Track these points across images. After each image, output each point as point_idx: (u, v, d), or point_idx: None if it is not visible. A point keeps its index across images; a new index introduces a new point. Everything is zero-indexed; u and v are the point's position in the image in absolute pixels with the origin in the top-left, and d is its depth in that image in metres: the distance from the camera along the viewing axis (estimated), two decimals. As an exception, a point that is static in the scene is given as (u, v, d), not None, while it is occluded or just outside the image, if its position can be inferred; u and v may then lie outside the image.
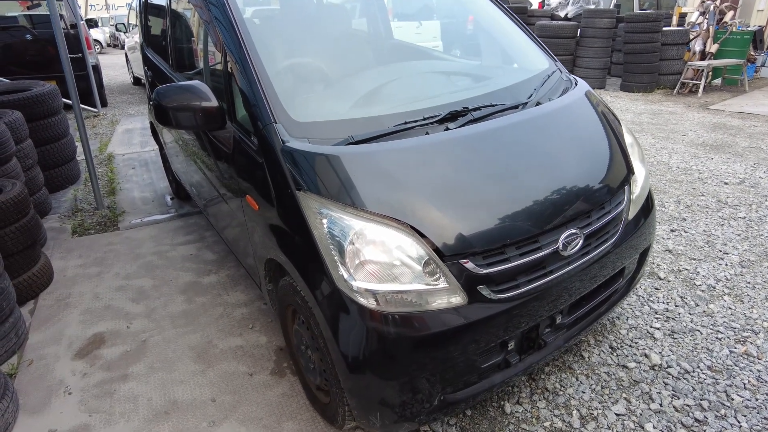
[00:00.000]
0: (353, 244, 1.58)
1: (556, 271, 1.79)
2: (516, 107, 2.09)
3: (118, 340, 2.61)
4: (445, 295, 1.60)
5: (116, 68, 13.99)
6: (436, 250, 1.60)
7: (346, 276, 1.58)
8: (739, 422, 2.03)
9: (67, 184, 4.77)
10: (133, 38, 10.41)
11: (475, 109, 2.01)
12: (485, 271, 1.64)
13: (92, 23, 12.01)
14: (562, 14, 11.12)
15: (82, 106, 4.48)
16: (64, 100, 4.73)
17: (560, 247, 1.77)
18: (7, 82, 5.50)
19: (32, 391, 2.27)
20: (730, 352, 2.41)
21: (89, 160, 4.10)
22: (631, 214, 2.09)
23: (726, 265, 3.16)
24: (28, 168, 3.85)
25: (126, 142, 6.41)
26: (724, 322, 2.62)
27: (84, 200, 4.48)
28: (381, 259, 1.58)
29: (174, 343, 2.57)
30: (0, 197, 2.76)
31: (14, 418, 2.09)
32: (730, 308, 2.73)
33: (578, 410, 2.11)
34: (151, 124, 4.36)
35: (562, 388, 2.22)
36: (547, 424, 2.05)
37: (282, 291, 2.02)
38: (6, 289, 2.46)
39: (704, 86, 8.36)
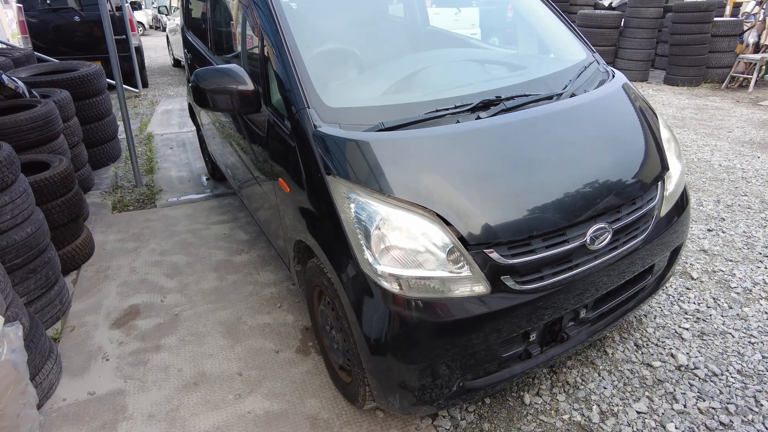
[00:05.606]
0: (379, 229, 1.61)
1: (583, 264, 1.77)
2: (550, 98, 2.06)
3: (152, 313, 2.73)
4: (468, 284, 1.61)
5: (157, 50, 14.33)
6: (461, 238, 1.61)
7: (371, 260, 1.61)
8: (767, 428, 1.98)
9: (108, 162, 4.97)
10: (175, 21, 10.65)
11: (507, 99, 1.99)
12: (510, 261, 1.64)
13: (136, 5, 12.33)
14: (605, 3, 10.75)
15: (124, 86, 4.63)
16: (107, 80, 4.90)
17: (588, 240, 1.75)
18: (55, 62, 5.73)
19: (74, 355, 2.41)
20: (763, 357, 2.34)
21: (130, 139, 4.25)
22: (664, 211, 2.05)
23: (765, 268, 3.05)
24: (73, 145, 4.03)
25: (165, 122, 6.60)
26: (759, 326, 2.54)
27: (124, 177, 4.66)
28: (406, 245, 1.60)
29: (205, 318, 2.68)
30: (48, 172, 2.91)
31: (58, 379, 2.23)
32: (766, 313, 2.64)
33: (598, 405, 2.10)
34: (189, 105, 4.48)
35: (584, 383, 2.21)
36: (566, 417, 2.05)
37: (309, 272, 2.08)
38: (52, 259, 2.61)
39: (756, 81, 7.96)
